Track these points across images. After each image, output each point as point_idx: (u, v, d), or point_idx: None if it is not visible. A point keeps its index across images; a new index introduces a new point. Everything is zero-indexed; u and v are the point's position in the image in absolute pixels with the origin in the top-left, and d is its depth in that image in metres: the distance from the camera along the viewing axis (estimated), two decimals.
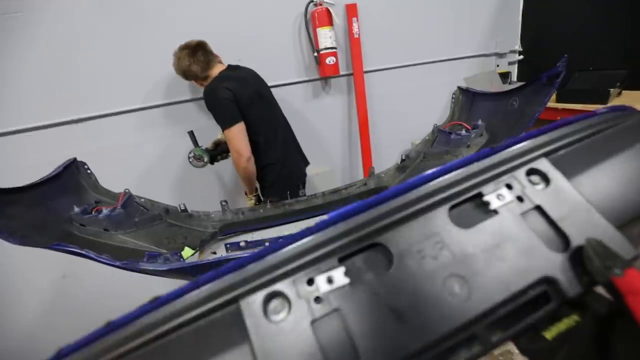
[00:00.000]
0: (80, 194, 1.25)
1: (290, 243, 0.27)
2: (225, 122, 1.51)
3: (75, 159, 1.28)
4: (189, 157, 1.66)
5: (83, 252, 0.88)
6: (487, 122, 1.41)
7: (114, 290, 2.07)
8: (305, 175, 1.87)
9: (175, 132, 1.99)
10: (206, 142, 1.74)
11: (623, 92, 2.28)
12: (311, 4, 2.01)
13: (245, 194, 1.73)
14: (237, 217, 1.44)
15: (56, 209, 1.07)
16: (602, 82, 2.19)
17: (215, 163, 1.77)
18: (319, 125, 2.37)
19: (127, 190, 1.30)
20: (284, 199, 1.46)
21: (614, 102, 2.11)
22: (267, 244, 0.99)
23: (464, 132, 1.40)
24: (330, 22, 2.01)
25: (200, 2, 1.87)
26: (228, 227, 1.36)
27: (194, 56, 1.54)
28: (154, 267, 0.87)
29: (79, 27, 1.71)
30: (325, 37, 2.01)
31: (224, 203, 1.42)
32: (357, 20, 2.13)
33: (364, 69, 2.27)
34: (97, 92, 1.83)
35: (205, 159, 1.67)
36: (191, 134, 1.65)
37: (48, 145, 1.77)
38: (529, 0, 2.87)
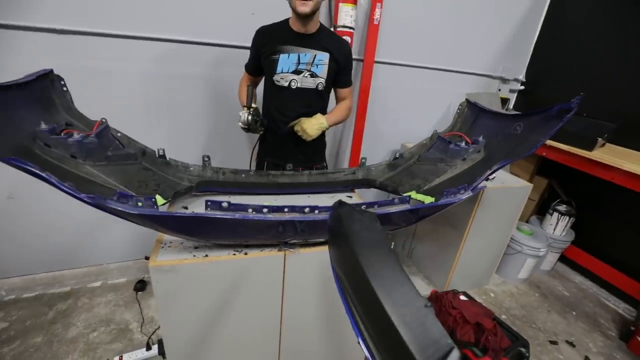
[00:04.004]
0: (50, 111, 1.11)
1: None
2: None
3: (52, 70, 1.14)
4: (249, 118, 1.38)
5: (44, 174, 0.78)
6: (487, 140, 1.41)
7: (60, 224, 1.94)
8: None
9: (172, 73, 1.86)
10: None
11: (607, 144, 2.40)
12: None
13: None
14: (216, 175, 1.36)
15: (19, 120, 0.95)
16: (590, 129, 2.28)
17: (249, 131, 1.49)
18: None
19: (104, 120, 1.18)
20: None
21: (597, 151, 2.21)
22: (250, 210, 0.94)
23: (463, 144, 1.40)
24: (354, 0, 1.91)
25: None
26: (206, 185, 1.29)
27: None
28: (124, 209, 0.79)
29: None
30: (347, 14, 1.92)
31: (206, 158, 1.34)
32: (381, 7, 2.06)
33: (375, 59, 2.21)
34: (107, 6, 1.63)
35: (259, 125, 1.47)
36: (251, 90, 1.42)
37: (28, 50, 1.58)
38: (544, 36, 2.92)
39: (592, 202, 2.64)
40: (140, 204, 0.83)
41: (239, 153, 2.18)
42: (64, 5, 1.57)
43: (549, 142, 2.36)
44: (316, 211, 0.98)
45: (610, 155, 2.12)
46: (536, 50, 2.99)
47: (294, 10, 1.37)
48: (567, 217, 2.56)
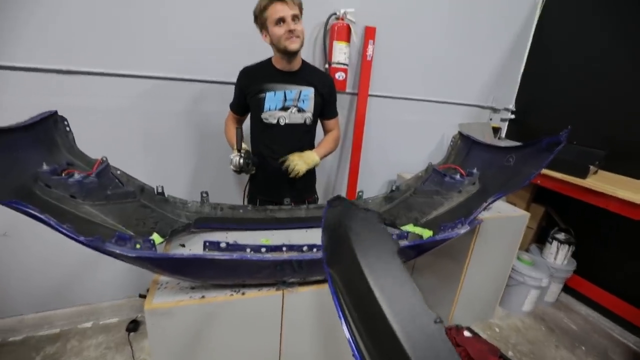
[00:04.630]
0: (52, 151, 1.14)
1: None
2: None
3: (56, 112, 1.18)
4: (241, 162, 1.42)
5: (43, 217, 0.78)
6: (481, 172, 1.44)
7: (57, 260, 1.90)
8: None
9: (172, 110, 1.91)
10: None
11: (599, 171, 2.44)
12: (333, 16, 2.02)
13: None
14: (214, 211, 1.36)
15: (22, 162, 0.96)
16: (582, 157, 2.33)
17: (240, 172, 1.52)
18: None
19: (104, 158, 1.21)
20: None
21: (591, 178, 2.24)
22: (248, 249, 0.93)
23: (458, 176, 1.42)
24: (348, 39, 2.02)
25: None
26: (204, 221, 1.29)
27: None
28: (122, 251, 0.78)
29: None
30: (340, 52, 2.02)
31: (204, 194, 1.35)
32: (373, 44, 2.17)
33: (369, 93, 2.29)
34: (108, 47, 1.69)
35: (251, 166, 1.51)
36: (240, 132, 1.44)
37: (31, 90, 1.62)
38: (530, 65, 3.06)
39: (590, 229, 2.64)
40: (138, 245, 0.82)
41: (229, 190, 2.18)
42: (53, 45, 1.61)
43: (543, 171, 2.39)
44: (314, 249, 0.97)
45: (604, 183, 2.15)
46: (524, 79, 3.11)
47: (284, 49, 1.41)
48: (567, 246, 2.54)
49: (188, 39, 1.83)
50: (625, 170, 2.41)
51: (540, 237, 2.96)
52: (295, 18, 1.38)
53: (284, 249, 0.96)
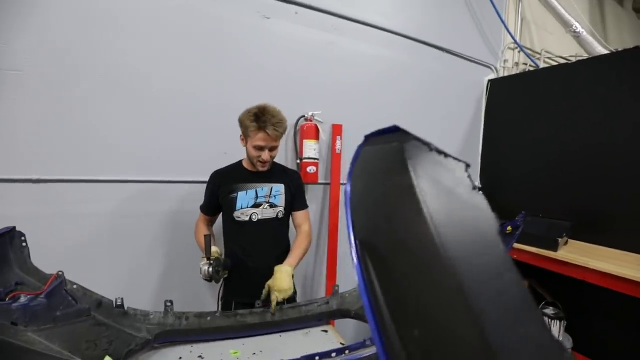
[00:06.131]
0: (2, 270, 1.07)
1: None
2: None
3: (14, 227, 1.14)
4: (210, 270, 1.37)
5: None
6: None
7: None
8: None
9: (137, 211, 1.88)
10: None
11: (570, 240, 2.51)
12: (302, 118, 2.22)
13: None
14: (178, 322, 1.26)
15: None
16: (550, 230, 2.40)
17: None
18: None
19: (59, 273, 1.13)
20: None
21: (562, 250, 2.29)
22: None
23: None
24: (316, 137, 2.19)
25: (204, 94, 1.98)
26: (165, 335, 1.18)
27: None
28: None
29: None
30: (310, 148, 2.17)
31: (168, 303, 1.26)
32: (341, 139, 2.35)
33: (341, 181, 2.40)
34: (76, 155, 1.70)
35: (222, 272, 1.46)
36: (209, 239, 1.42)
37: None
38: (486, 145, 3.35)
39: (577, 300, 2.58)
40: None
41: (202, 292, 2.03)
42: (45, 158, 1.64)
43: (517, 245, 2.43)
44: None
45: (576, 254, 2.19)
46: (483, 159, 3.38)
47: (254, 166, 1.56)
48: (558, 321, 2.45)
49: (160, 141, 1.89)
50: (593, 237, 2.48)
51: None
52: (273, 148, 1.52)
53: None
